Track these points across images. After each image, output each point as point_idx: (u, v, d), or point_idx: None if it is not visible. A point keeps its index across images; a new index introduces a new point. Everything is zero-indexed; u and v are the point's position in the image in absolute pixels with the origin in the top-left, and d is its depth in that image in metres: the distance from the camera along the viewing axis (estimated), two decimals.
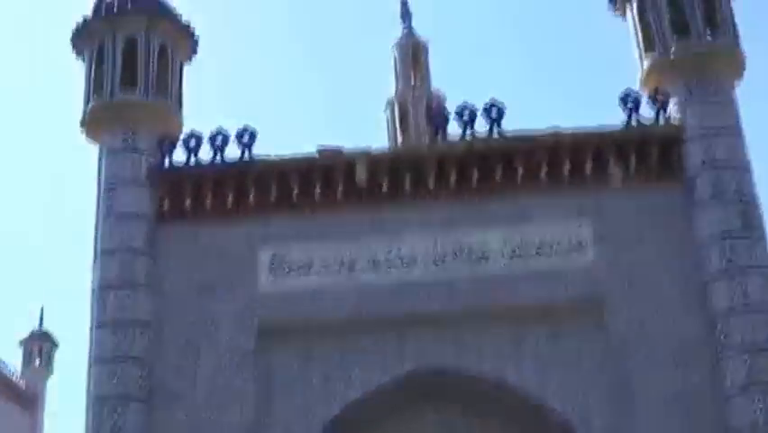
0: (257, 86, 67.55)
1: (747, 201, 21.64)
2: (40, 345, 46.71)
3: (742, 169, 21.93)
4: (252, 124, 22.84)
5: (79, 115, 23.47)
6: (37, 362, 46.45)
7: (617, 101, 22.81)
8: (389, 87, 38.88)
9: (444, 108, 22.56)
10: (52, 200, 63.51)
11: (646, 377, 20.61)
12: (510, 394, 21.08)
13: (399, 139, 36.31)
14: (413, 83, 38.07)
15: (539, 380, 20.98)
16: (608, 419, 20.61)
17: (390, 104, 37.92)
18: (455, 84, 56.87)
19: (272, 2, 67.59)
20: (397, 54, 38.87)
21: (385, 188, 22.22)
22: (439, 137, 22.81)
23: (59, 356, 47.17)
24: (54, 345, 47.19)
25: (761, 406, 19.94)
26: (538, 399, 20.82)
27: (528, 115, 21.45)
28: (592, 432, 20.60)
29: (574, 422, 20.67)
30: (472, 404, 22.00)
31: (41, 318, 47.43)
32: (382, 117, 38.46)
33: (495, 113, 22.64)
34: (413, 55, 38.53)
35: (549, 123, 22.93)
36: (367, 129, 55.82)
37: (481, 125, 22.69)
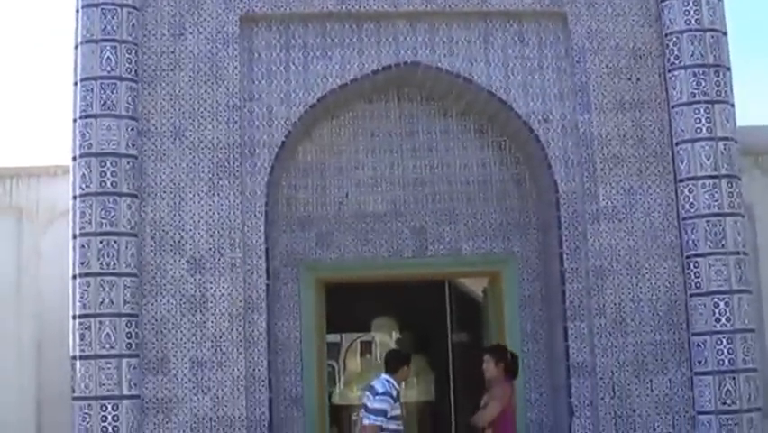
0: None
1: None
2: None
3: None
4: None
5: None
6: None
7: None
8: None
9: None
10: None
11: (602, 83, 22.35)
12: (476, 90, 22.63)
13: None
14: None
15: (504, 78, 22.57)
16: (565, 117, 22.56)
17: None
18: None
19: None
20: None
21: None
22: None
23: None
24: None
25: (705, 116, 21.64)
26: (502, 95, 22.36)
27: None
28: (550, 128, 22.45)
29: (533, 118, 22.51)
30: (437, 99, 23.73)
31: None
32: None
33: None
34: None
35: None
36: None
37: None
